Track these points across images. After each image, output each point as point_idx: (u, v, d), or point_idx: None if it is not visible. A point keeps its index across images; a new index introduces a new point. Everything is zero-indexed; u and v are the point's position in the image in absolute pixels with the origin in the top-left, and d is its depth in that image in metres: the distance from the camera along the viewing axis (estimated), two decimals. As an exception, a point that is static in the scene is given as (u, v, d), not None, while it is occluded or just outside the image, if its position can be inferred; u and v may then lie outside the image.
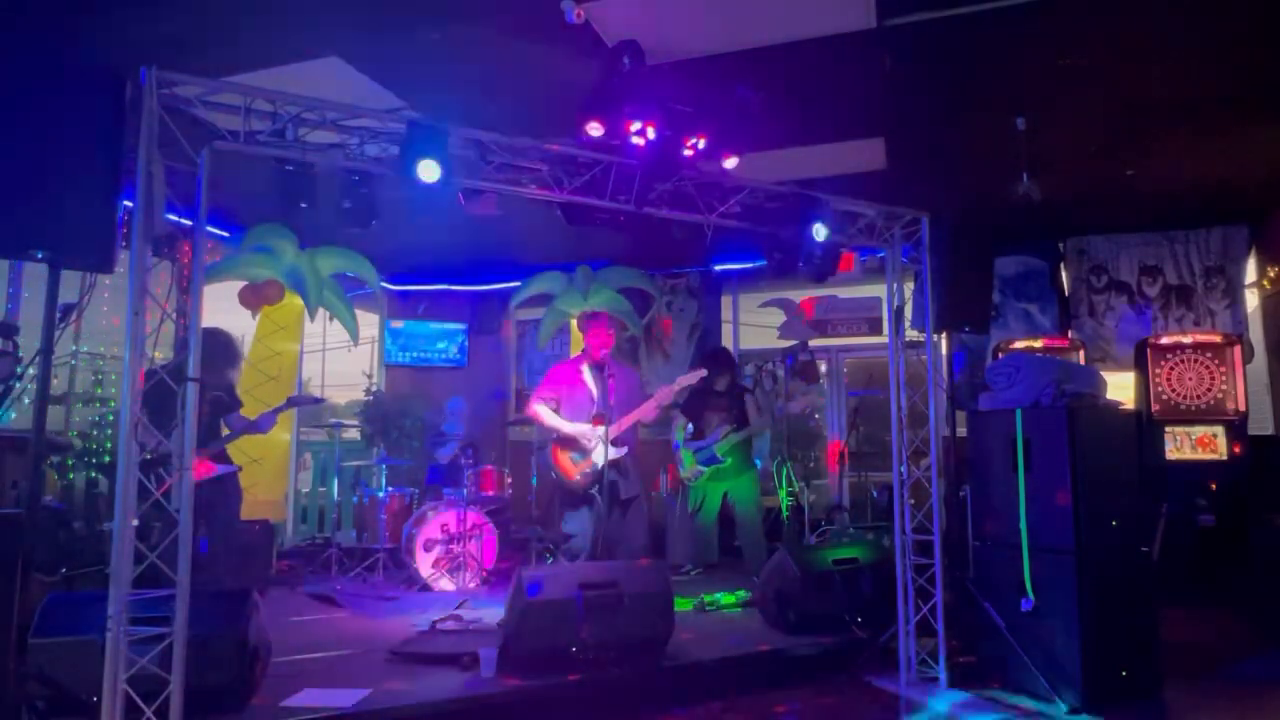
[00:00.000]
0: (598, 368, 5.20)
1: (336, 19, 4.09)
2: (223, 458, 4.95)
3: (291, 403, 5.63)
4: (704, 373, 5.57)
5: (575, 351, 7.45)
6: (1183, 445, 6.60)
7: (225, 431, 5.06)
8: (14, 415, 4.96)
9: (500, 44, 4.29)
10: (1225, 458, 6.48)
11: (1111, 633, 3.86)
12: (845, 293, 8.55)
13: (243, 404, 5.20)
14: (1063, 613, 3.89)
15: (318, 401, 6.80)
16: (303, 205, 3.32)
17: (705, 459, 6.45)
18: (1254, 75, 4.66)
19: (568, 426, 5.12)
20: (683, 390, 5.47)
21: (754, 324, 9.03)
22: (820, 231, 4.16)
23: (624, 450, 5.12)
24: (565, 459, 5.16)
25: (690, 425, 6.61)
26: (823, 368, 8.46)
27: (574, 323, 8.38)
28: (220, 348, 4.97)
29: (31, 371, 2.83)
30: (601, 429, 4.94)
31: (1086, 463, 3.96)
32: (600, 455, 4.99)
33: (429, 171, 3.42)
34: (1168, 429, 6.62)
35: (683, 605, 5.06)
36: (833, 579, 4.76)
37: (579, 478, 5.08)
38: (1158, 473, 6.40)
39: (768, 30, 4.18)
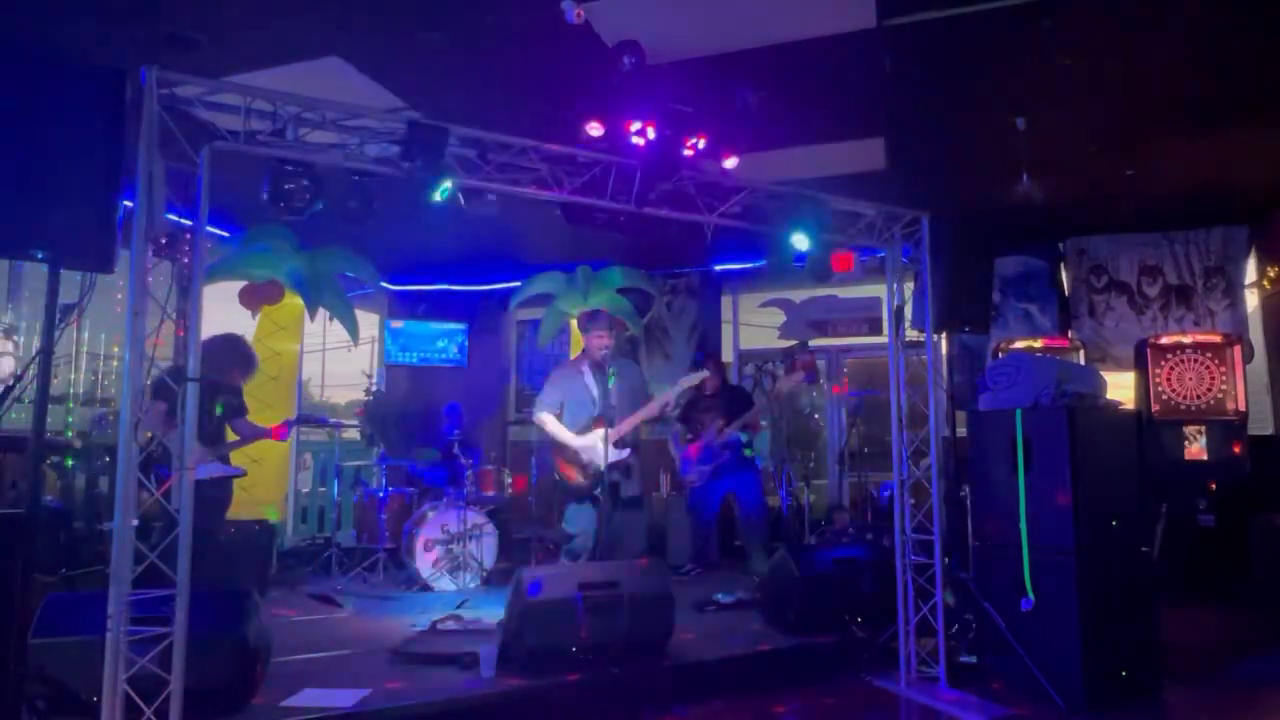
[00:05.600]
0: (599, 368, 5.19)
1: (337, 19, 4.09)
2: (224, 461, 4.97)
3: (302, 420, 6.11)
4: (706, 374, 5.57)
5: (575, 351, 7.45)
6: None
7: (233, 437, 5.08)
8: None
9: (500, 44, 4.29)
10: (1225, 458, 6.48)
11: (1111, 633, 3.86)
12: (845, 293, 8.55)
13: (249, 410, 5.22)
14: (1063, 613, 3.88)
15: (325, 423, 6.91)
16: (289, 203, 3.33)
17: (704, 456, 6.45)
18: (1254, 75, 4.66)
19: (575, 440, 5.10)
20: (685, 391, 5.47)
21: (754, 324, 9.04)
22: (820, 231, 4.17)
23: (626, 452, 5.11)
24: (567, 462, 5.15)
25: (689, 434, 6.62)
26: (822, 367, 8.46)
27: (574, 323, 8.38)
28: (229, 350, 5.03)
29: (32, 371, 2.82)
30: (602, 431, 4.93)
31: (1086, 463, 3.96)
32: (602, 458, 4.98)
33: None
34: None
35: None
36: (833, 579, 4.76)
37: (581, 480, 5.08)
38: (1158, 473, 6.39)
39: (768, 30, 4.18)
